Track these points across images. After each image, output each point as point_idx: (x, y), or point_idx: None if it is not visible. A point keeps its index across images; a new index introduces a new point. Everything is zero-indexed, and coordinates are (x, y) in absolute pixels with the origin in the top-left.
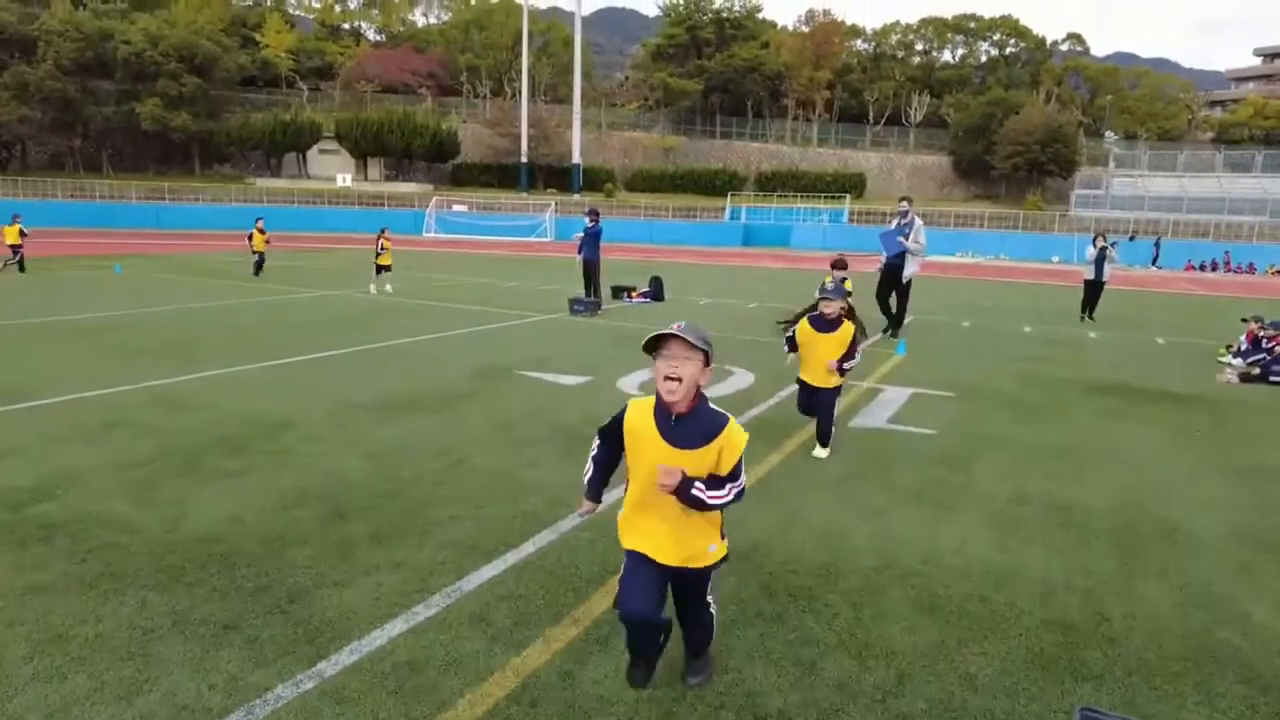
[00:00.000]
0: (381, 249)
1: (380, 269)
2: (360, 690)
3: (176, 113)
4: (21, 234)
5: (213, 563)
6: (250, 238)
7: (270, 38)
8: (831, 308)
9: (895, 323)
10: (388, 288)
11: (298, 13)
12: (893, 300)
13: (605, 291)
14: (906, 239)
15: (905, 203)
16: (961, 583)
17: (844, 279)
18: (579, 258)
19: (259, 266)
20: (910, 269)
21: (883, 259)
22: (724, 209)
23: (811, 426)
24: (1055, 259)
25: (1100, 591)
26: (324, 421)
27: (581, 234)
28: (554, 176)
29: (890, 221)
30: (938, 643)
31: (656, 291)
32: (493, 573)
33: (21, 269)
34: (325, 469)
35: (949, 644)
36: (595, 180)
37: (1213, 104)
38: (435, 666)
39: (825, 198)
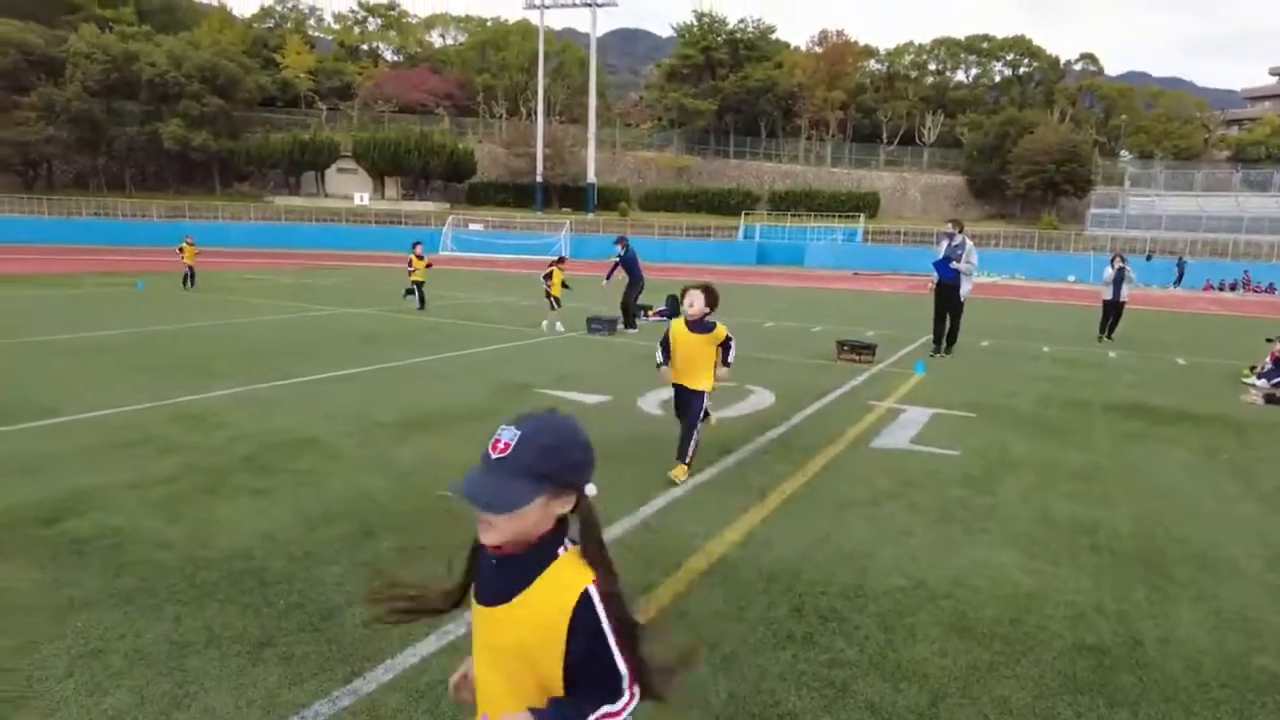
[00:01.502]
0: (549, 277)
1: (555, 301)
2: (397, 708)
3: (198, 132)
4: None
5: (244, 579)
6: (410, 263)
7: (290, 58)
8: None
9: (949, 341)
10: (559, 326)
11: (317, 34)
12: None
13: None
14: (958, 261)
15: (952, 225)
16: (991, 605)
17: (709, 322)
18: (605, 284)
19: (420, 299)
20: (964, 288)
21: (934, 280)
22: (738, 228)
23: (835, 448)
24: (1071, 278)
25: (1132, 615)
26: (347, 439)
27: (616, 259)
28: (569, 196)
29: (938, 244)
30: (970, 665)
31: (673, 310)
32: None
33: (190, 284)
34: (351, 487)
35: (981, 667)
36: (609, 199)
37: (1229, 123)
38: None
39: (839, 217)
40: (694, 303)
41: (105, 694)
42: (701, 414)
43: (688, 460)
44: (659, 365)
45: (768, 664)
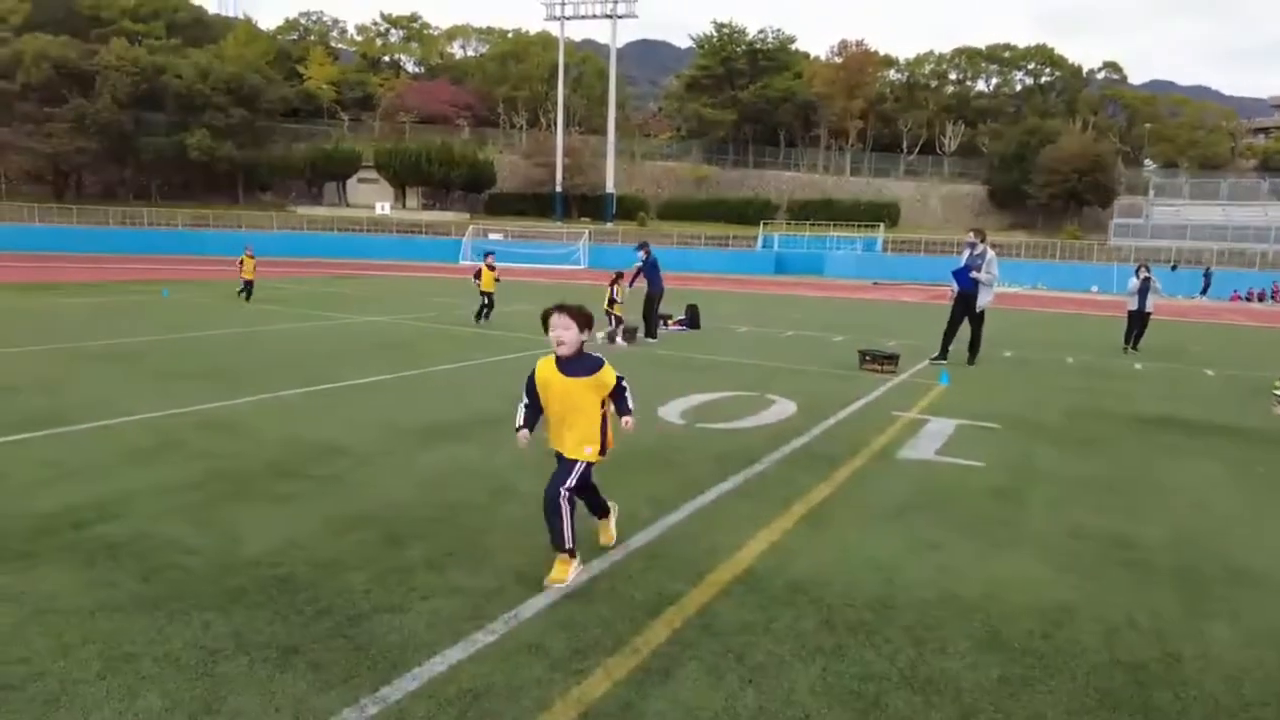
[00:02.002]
0: (613, 298)
1: (614, 318)
2: (425, 716)
3: (223, 143)
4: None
5: (272, 586)
6: (478, 275)
7: (313, 70)
8: None
9: (972, 351)
10: (599, 336)
11: (340, 46)
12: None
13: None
14: (978, 271)
15: (973, 234)
16: (1023, 618)
17: (592, 358)
18: (628, 288)
19: (486, 311)
20: (984, 299)
21: (954, 290)
22: (756, 238)
23: (860, 459)
24: (1094, 289)
25: (1168, 632)
26: (371, 446)
27: (639, 264)
28: (588, 205)
29: (960, 253)
30: (1002, 680)
31: (692, 320)
32: (546, 601)
33: (246, 296)
34: (376, 494)
35: (1014, 681)
36: (628, 209)
37: (1256, 131)
38: (497, 694)
39: (859, 226)
40: (562, 337)
41: (136, 697)
42: (570, 483)
43: (566, 546)
44: (516, 429)
45: (797, 676)
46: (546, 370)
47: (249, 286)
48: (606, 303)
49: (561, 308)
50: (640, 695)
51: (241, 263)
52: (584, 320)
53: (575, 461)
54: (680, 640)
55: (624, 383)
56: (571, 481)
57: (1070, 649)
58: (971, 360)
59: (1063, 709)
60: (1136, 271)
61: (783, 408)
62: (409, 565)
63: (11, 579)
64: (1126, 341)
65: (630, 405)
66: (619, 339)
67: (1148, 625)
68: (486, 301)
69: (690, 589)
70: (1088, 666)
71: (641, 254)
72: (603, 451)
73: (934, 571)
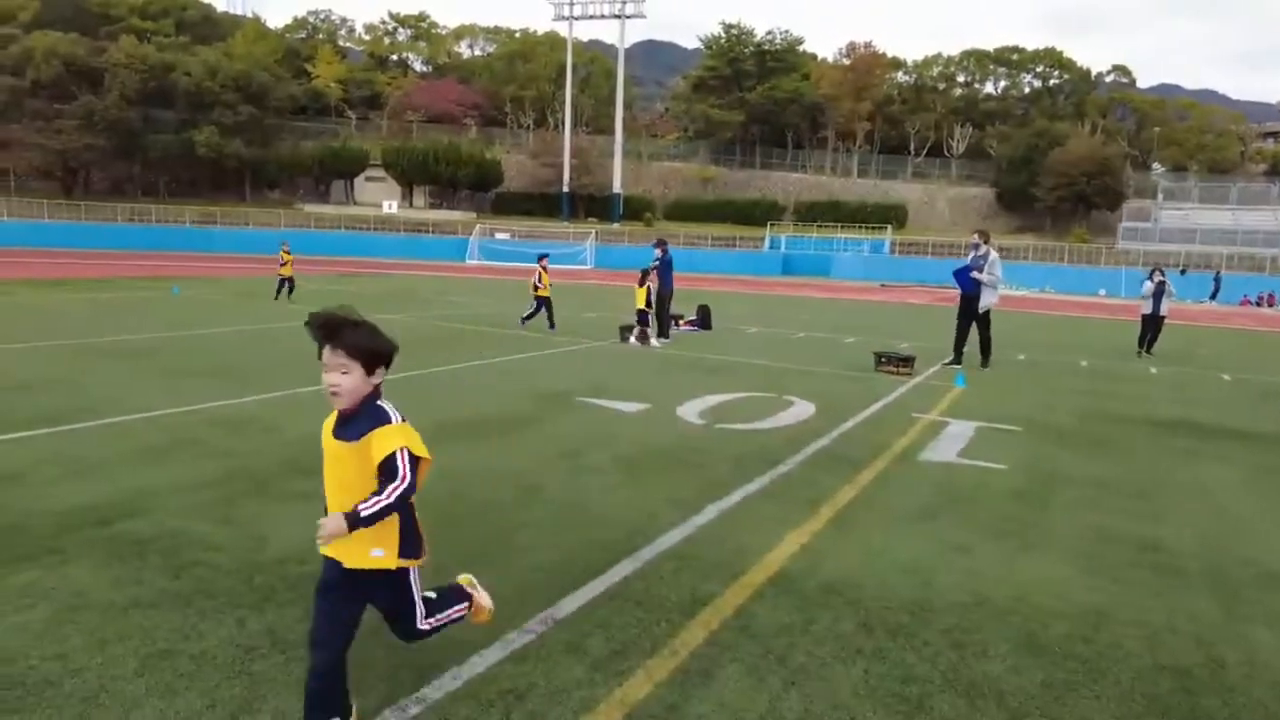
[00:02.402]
0: (650, 298)
1: (642, 315)
2: (468, 717)
3: (231, 140)
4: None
5: (302, 583)
6: (538, 278)
7: (321, 68)
8: None
9: (984, 354)
10: (654, 342)
11: (348, 44)
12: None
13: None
14: (980, 272)
15: (977, 236)
16: (1059, 622)
17: (377, 410)
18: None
19: (549, 315)
20: (987, 301)
21: (958, 293)
22: (763, 239)
23: (883, 461)
24: (1101, 292)
25: (1208, 637)
26: None
27: (655, 263)
28: (595, 205)
29: (966, 254)
30: (1045, 684)
31: (704, 320)
32: (580, 601)
33: (289, 295)
34: None
35: (1058, 686)
36: (635, 210)
37: (1265, 135)
38: (539, 695)
39: (866, 228)
40: (335, 384)
41: (176, 695)
42: (422, 614)
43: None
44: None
45: (840, 679)
46: (325, 427)
47: (290, 283)
48: (645, 302)
49: (332, 335)
50: (683, 697)
51: (282, 263)
52: (370, 355)
53: (356, 571)
54: (719, 642)
55: (398, 463)
56: (418, 607)
57: (1112, 653)
58: (984, 363)
59: (1110, 714)
60: (1150, 275)
61: (801, 409)
62: (440, 564)
63: (41, 574)
64: (1140, 345)
65: (380, 503)
66: (633, 339)
67: (1186, 629)
68: (547, 306)
69: (723, 590)
70: (1132, 671)
71: (659, 251)
72: (413, 553)
73: (964, 574)
